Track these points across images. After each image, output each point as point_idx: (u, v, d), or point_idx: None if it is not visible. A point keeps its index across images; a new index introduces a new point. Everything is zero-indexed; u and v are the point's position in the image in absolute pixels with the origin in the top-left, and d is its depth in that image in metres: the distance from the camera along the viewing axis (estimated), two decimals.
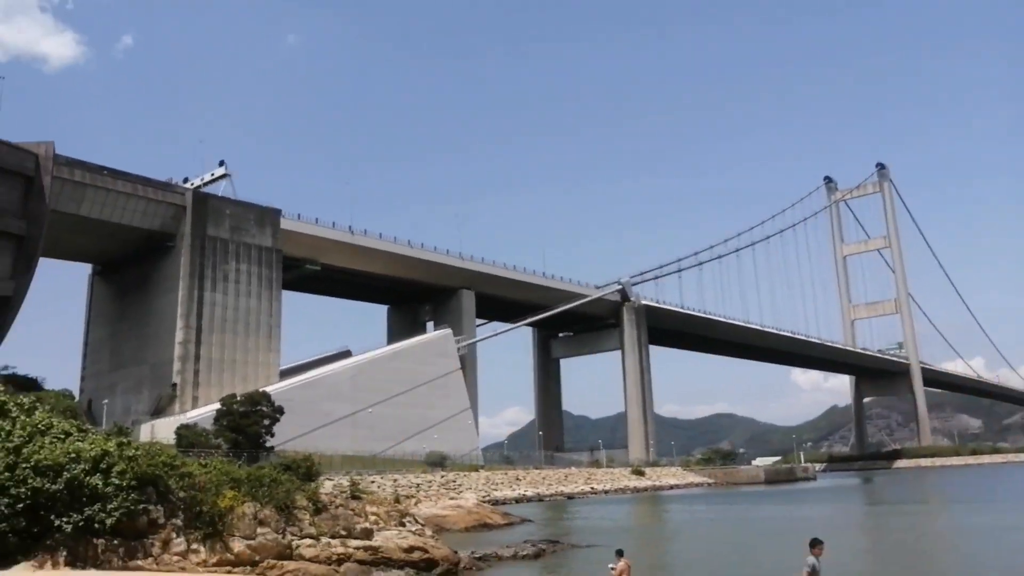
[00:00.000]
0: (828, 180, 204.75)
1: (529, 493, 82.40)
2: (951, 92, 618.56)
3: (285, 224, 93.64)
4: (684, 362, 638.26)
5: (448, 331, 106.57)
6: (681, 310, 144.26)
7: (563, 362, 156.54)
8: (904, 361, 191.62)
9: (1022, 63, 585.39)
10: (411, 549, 22.15)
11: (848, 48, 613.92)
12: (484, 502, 66.94)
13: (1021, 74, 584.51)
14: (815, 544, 13.12)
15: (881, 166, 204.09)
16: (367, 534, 21.94)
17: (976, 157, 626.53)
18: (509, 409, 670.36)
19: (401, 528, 23.10)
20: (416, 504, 43.05)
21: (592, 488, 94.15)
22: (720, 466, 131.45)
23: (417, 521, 24.44)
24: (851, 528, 43.95)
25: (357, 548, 21.29)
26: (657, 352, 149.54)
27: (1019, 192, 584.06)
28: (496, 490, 79.55)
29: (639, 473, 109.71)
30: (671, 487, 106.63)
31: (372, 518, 22.77)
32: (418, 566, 22.00)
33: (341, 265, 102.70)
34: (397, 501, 42.47)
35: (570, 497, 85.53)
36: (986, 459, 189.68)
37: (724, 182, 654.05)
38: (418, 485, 69.55)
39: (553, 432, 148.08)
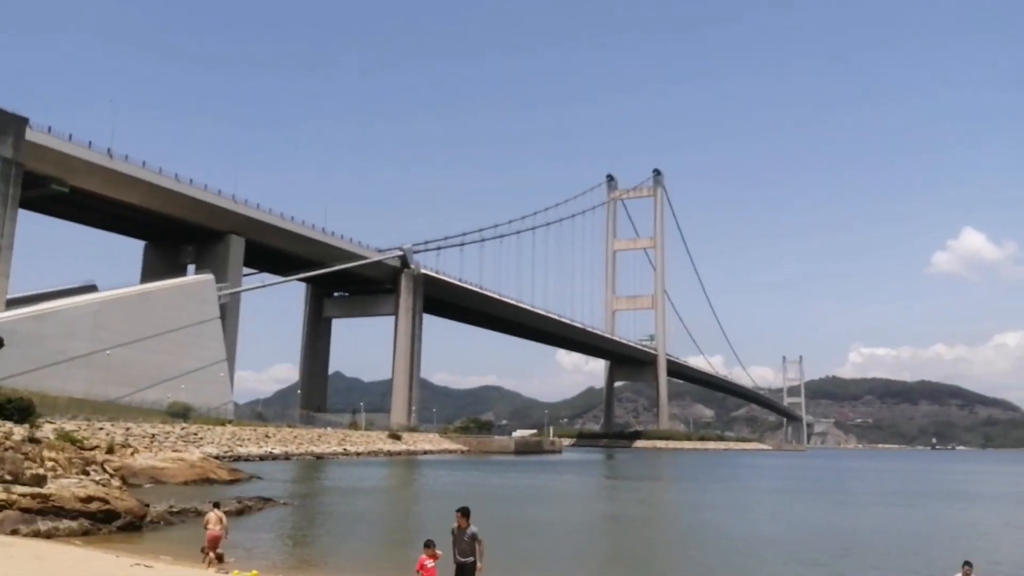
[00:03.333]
0: (610, 178, 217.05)
1: (276, 451, 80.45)
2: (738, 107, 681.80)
3: (32, 136, 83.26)
4: (461, 333, 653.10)
5: (210, 277, 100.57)
6: (459, 283, 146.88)
7: (339, 323, 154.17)
8: (653, 352, 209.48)
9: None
10: (89, 499, 20.65)
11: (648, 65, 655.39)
12: (225, 458, 64.52)
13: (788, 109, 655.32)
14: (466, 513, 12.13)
15: (657, 172, 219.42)
16: (38, 480, 20.17)
17: (741, 167, 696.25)
18: (279, 365, 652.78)
19: (83, 477, 21.52)
20: (132, 455, 40.40)
21: (344, 450, 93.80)
22: (475, 435, 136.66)
23: (106, 470, 22.86)
24: (574, 496, 47.65)
25: (23, 495, 19.50)
26: (436, 322, 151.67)
27: (774, 204, 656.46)
28: (241, 446, 76.88)
29: (396, 437, 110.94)
30: (425, 452, 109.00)
31: (49, 464, 20.99)
32: (95, 517, 20.57)
33: (94, 190, 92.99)
34: (111, 451, 39.82)
35: (319, 457, 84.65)
36: (711, 445, 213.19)
37: (524, 175, 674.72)
38: (153, 436, 65.39)
39: (316, 392, 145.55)
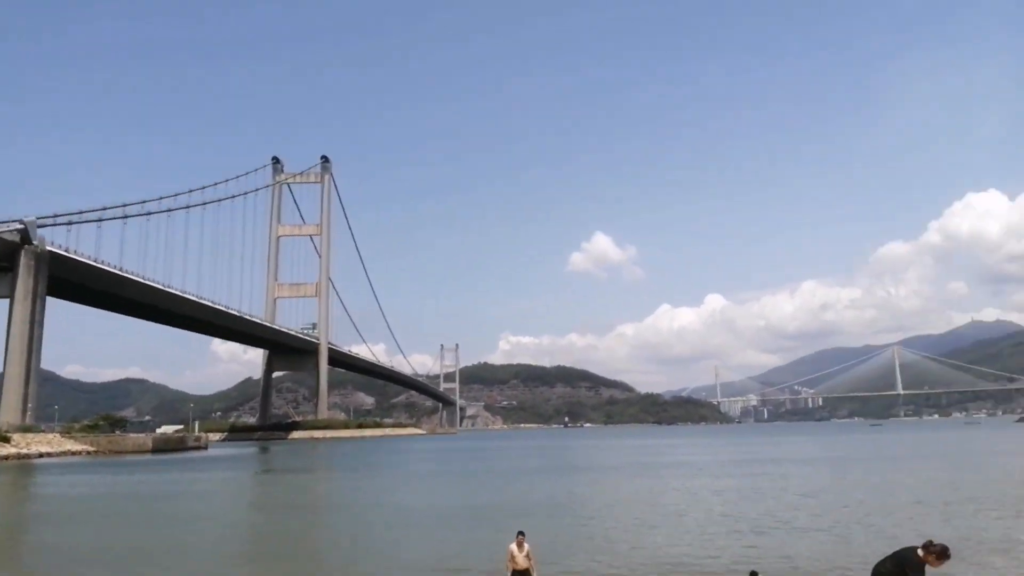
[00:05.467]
0: (276, 161, 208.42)
1: None
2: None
3: None
4: (98, 320, 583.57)
5: None
6: (95, 263, 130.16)
7: None
8: (315, 341, 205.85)
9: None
10: None
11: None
12: None
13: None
14: None
15: (325, 159, 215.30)
16: None
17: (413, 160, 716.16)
18: None
19: None
20: None
21: None
22: (105, 433, 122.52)
23: None
24: (207, 494, 44.54)
25: None
26: (67, 307, 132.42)
27: (439, 201, 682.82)
28: None
29: (4, 440, 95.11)
30: (40, 455, 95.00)
31: None
32: None
33: None
34: None
35: None
36: (368, 432, 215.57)
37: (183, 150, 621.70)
38: None
39: None
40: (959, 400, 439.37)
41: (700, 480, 47.15)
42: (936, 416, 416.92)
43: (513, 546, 15.24)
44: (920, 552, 8.97)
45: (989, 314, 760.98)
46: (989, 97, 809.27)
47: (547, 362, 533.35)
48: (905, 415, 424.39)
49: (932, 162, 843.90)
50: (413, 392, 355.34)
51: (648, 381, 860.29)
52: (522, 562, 15.09)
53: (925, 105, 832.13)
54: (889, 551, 9.80)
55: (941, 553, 8.87)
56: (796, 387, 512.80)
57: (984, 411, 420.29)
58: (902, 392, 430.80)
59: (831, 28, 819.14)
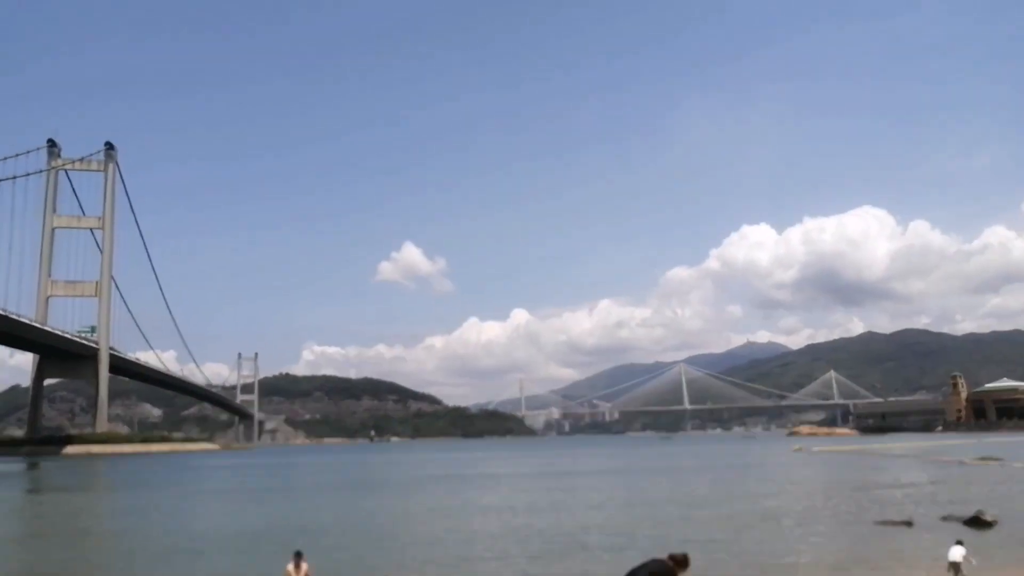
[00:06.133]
0: (52, 144, 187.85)
1: None
2: None
3: None
4: None
5: None
6: None
7: None
8: (95, 346, 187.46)
9: None
10: None
11: None
12: None
13: None
14: None
15: (110, 145, 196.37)
16: None
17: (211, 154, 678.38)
18: None
19: None
20: None
21: None
22: None
23: None
24: None
25: None
26: None
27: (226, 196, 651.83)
28: None
29: None
30: None
31: None
32: None
33: None
34: None
35: None
36: (155, 448, 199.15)
37: None
38: None
39: None
40: (739, 415, 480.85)
41: (498, 493, 47.82)
42: (719, 430, 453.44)
43: (290, 567, 14.96)
44: (669, 561, 9.52)
45: (762, 336, 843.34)
46: (762, 138, 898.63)
47: (353, 374, 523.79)
48: (692, 428, 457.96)
49: (714, 195, 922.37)
50: (206, 404, 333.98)
51: (456, 394, 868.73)
52: None
53: (707, 143, 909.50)
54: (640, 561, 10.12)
55: (682, 561, 9.50)
56: (595, 401, 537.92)
57: (760, 425, 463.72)
58: (688, 407, 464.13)
59: (631, 63, 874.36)
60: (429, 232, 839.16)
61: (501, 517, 34.20)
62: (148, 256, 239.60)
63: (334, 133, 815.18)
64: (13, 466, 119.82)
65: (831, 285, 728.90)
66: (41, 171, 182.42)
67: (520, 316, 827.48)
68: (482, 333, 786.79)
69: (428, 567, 21.35)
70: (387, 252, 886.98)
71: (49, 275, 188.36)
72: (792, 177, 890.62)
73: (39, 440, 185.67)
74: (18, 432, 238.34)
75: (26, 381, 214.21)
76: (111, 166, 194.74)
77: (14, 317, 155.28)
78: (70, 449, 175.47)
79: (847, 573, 19.91)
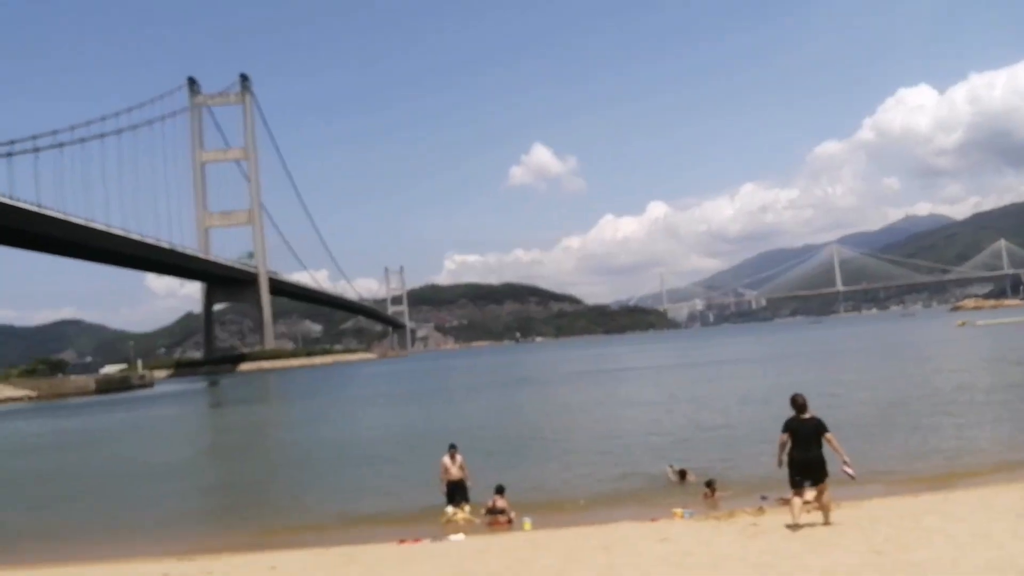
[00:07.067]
0: (192, 82, 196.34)
1: None
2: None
3: None
4: (26, 262, 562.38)
5: None
6: (8, 201, 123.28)
7: None
8: (254, 271, 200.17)
9: None
10: None
11: None
12: None
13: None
14: None
15: (244, 77, 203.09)
16: None
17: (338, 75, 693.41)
18: None
19: None
20: None
21: None
22: (45, 377, 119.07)
23: None
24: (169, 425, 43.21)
25: None
26: None
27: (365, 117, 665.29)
28: None
29: None
30: None
31: None
32: None
33: None
34: None
35: None
36: (318, 360, 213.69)
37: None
38: None
39: None
40: (896, 293, 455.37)
41: (640, 386, 47.46)
42: (875, 310, 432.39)
43: (446, 458, 15.51)
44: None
45: (922, 208, 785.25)
46: None
47: (494, 279, 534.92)
48: (845, 311, 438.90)
49: (864, 59, 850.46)
50: (361, 317, 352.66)
51: (595, 292, 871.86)
52: (456, 473, 15.41)
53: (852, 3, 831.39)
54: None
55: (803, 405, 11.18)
56: (740, 290, 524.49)
57: (920, 303, 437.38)
58: (841, 289, 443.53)
59: None
60: (557, 131, 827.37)
61: (646, 409, 33.87)
62: (291, 180, 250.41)
63: (456, 42, 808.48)
64: (196, 384, 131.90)
65: (1002, 146, 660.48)
66: (185, 109, 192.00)
67: (657, 209, 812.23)
68: (618, 230, 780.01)
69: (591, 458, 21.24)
70: (517, 156, 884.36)
71: (205, 207, 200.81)
72: (955, 26, 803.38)
73: (215, 360, 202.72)
74: (196, 354, 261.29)
75: (198, 308, 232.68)
76: (247, 97, 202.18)
77: (180, 250, 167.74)
78: (244, 366, 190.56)
79: None
